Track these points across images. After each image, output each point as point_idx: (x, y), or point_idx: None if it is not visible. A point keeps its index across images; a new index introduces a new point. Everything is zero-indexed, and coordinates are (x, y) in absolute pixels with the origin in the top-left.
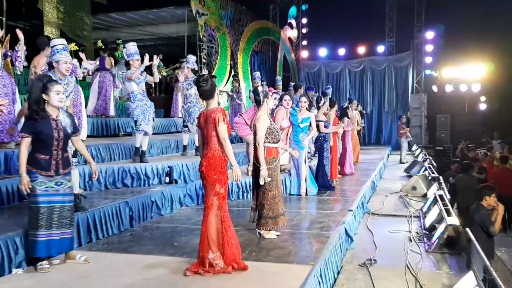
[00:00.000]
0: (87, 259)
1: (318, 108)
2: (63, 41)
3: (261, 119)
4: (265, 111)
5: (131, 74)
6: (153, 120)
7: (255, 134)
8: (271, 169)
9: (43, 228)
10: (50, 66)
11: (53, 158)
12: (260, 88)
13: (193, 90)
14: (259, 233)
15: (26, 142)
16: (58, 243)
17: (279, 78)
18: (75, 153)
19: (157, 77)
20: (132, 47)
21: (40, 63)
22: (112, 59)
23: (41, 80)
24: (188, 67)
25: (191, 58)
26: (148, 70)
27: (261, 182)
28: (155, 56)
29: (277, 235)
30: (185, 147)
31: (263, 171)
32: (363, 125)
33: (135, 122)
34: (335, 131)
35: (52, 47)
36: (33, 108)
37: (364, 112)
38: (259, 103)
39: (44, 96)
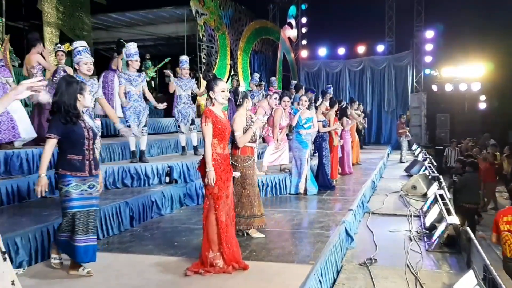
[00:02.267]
0: (90, 271)
1: (316, 108)
2: (83, 43)
3: (237, 120)
4: (244, 111)
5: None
6: (146, 124)
7: (232, 134)
8: (246, 168)
9: (81, 234)
10: (74, 68)
11: (86, 158)
12: (240, 89)
13: (188, 91)
14: (244, 232)
15: (52, 143)
16: (94, 249)
17: (273, 79)
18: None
19: (151, 98)
20: (132, 47)
21: (31, 60)
22: (121, 61)
23: (72, 81)
24: (184, 68)
25: (185, 58)
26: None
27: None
28: None
29: (262, 236)
30: (183, 147)
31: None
32: (365, 125)
33: (126, 121)
34: (335, 131)
35: (74, 49)
36: (72, 112)
37: (363, 116)
38: (239, 104)
39: (79, 96)
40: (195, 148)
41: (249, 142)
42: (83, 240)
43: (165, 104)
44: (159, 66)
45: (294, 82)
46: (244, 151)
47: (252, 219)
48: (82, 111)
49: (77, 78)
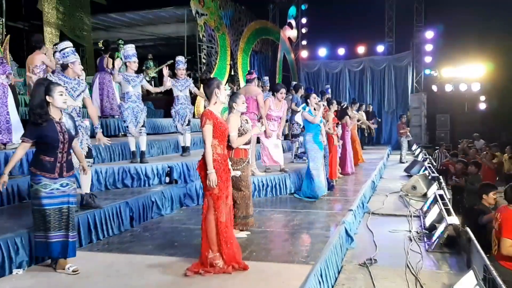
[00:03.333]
0: (76, 270)
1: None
2: (70, 43)
3: (231, 120)
4: (238, 113)
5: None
6: (144, 124)
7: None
8: (240, 170)
9: (53, 230)
10: (63, 67)
11: (57, 160)
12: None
13: (185, 92)
14: None
15: (24, 147)
16: (72, 245)
17: (266, 78)
18: (90, 153)
19: (156, 89)
20: (130, 49)
21: (34, 60)
22: (111, 60)
23: (42, 83)
24: (180, 69)
25: (181, 58)
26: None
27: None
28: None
29: (246, 235)
30: (183, 148)
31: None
32: (374, 125)
33: (124, 121)
34: (335, 132)
35: (62, 49)
36: (37, 112)
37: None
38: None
39: (47, 98)
40: (187, 149)
41: (243, 144)
42: (56, 236)
43: (161, 89)
44: (160, 68)
45: (294, 83)
46: (237, 153)
47: (247, 219)
48: (61, 111)
49: (52, 79)
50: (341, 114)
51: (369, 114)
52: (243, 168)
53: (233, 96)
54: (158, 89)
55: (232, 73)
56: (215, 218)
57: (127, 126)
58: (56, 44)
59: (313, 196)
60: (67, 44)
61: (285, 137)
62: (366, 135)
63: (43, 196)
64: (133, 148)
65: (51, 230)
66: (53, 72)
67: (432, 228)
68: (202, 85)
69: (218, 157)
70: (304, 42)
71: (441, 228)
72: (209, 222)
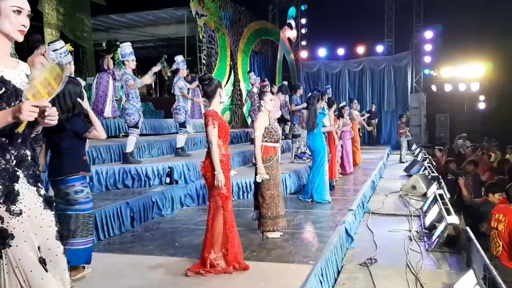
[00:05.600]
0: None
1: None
2: (63, 42)
3: (259, 119)
4: (266, 111)
5: (133, 82)
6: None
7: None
8: (268, 168)
9: (80, 237)
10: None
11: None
12: (255, 90)
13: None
14: (262, 233)
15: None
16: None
17: (251, 74)
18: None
19: (148, 78)
20: (127, 47)
21: (34, 62)
22: (111, 60)
23: (76, 83)
24: (184, 69)
25: (180, 58)
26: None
27: (258, 180)
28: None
29: (280, 235)
30: (182, 148)
31: (260, 169)
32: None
33: (133, 121)
34: (336, 131)
35: (58, 49)
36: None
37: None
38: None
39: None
40: (177, 150)
41: (272, 142)
42: (82, 242)
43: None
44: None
45: (285, 82)
46: (266, 151)
47: (277, 219)
48: None
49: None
50: (339, 114)
51: (371, 114)
52: (272, 166)
53: (260, 94)
54: (150, 78)
55: (232, 73)
56: (223, 218)
57: (133, 126)
58: (49, 43)
59: (327, 200)
60: (62, 43)
61: (285, 137)
62: (360, 135)
63: (88, 200)
64: (131, 148)
65: (78, 237)
66: None
67: (432, 227)
68: (202, 85)
69: (223, 158)
70: (303, 43)
71: (441, 227)
72: (217, 223)
